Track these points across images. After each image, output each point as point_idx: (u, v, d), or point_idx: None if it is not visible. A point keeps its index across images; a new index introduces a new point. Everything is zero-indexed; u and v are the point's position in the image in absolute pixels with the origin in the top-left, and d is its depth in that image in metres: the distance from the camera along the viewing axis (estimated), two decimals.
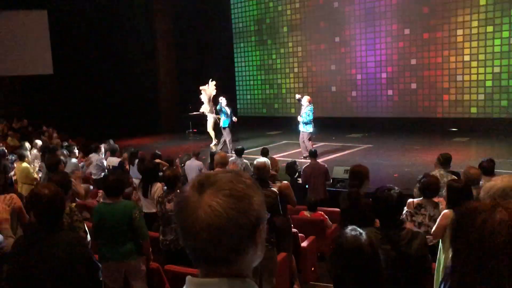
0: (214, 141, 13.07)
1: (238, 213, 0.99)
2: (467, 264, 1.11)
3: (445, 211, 3.65)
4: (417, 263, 2.70)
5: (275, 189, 4.44)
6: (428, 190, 4.21)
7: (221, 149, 11.56)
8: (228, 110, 12.17)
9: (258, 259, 1.08)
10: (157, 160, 7.97)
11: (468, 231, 1.12)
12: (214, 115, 13.13)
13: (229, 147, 11.90)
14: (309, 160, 7.81)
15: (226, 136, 12.11)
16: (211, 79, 13.67)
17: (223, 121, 12.16)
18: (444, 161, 5.50)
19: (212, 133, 13.22)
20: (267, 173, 4.53)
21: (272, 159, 6.80)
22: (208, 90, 13.46)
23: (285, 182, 5.24)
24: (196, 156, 8.35)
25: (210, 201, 0.99)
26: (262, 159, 4.56)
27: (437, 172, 5.25)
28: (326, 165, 7.71)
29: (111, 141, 10.13)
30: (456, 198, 3.54)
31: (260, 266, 4.08)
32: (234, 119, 12.43)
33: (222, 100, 12.24)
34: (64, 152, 8.46)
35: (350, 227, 2.01)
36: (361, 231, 1.99)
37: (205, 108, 13.40)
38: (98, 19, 16.84)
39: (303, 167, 7.55)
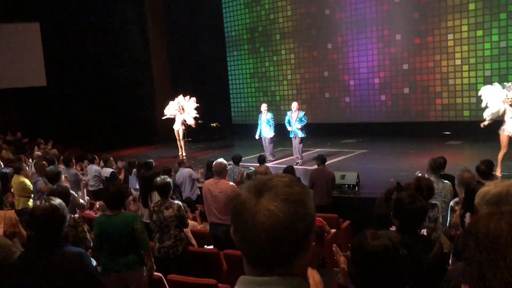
0: (183, 153, 13.18)
1: (295, 218, 1.03)
2: (479, 258, 1.18)
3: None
4: (434, 270, 2.66)
5: None
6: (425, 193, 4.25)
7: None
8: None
9: (308, 259, 1.12)
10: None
11: (476, 232, 1.22)
12: (183, 126, 13.17)
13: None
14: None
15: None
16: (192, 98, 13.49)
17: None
18: (436, 167, 5.43)
19: (182, 144, 13.26)
20: None
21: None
22: (187, 104, 13.34)
23: None
24: (183, 165, 8.49)
25: (268, 205, 1.02)
26: (263, 166, 4.61)
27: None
28: (333, 172, 7.73)
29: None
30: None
31: None
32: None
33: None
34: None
35: (370, 231, 2.02)
36: (383, 235, 2.00)
37: (178, 118, 13.20)
38: (91, 30, 16.84)
39: (311, 171, 7.56)
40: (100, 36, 17.00)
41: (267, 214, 1.01)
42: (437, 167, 5.45)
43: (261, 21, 18.09)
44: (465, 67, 13.84)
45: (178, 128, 13.17)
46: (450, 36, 13.94)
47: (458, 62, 13.94)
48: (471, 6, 13.49)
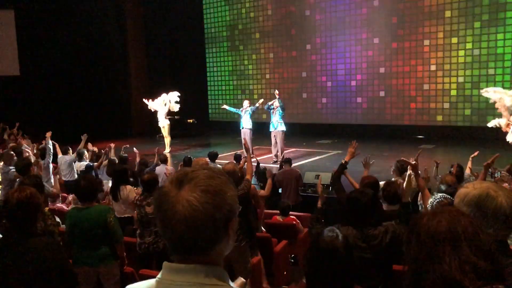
0: (168, 149, 13.04)
1: (213, 207, 1.08)
2: (419, 253, 1.29)
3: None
4: (392, 252, 2.80)
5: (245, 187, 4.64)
6: (392, 198, 4.37)
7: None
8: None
9: (229, 249, 1.18)
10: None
11: (418, 231, 1.33)
12: (168, 121, 13.10)
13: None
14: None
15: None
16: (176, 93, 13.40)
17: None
18: (403, 169, 5.65)
19: (168, 140, 13.16)
20: (236, 177, 4.66)
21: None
22: (168, 98, 13.23)
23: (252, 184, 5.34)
24: (165, 162, 8.44)
25: (187, 196, 1.08)
26: (230, 164, 4.69)
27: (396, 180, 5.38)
28: (299, 171, 7.82)
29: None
30: None
31: (233, 260, 4.25)
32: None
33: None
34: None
35: (329, 228, 2.09)
36: (338, 232, 2.07)
37: (161, 113, 13.11)
38: (67, 20, 16.51)
39: (277, 173, 7.64)
40: (76, 28, 16.69)
41: (185, 204, 1.07)
42: (404, 169, 5.62)
43: (241, 19, 18.08)
44: (440, 73, 14.15)
45: (163, 124, 13.07)
46: (426, 42, 14.23)
47: (433, 67, 14.24)
48: (447, 14, 13.81)
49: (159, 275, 1.15)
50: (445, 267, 1.22)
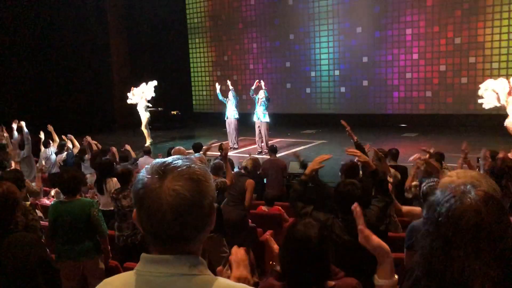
0: (149, 140, 12.90)
1: (200, 195, 1.10)
2: (432, 248, 1.13)
3: None
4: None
5: (224, 180, 4.71)
6: (350, 174, 4.44)
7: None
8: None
9: (206, 237, 1.18)
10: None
11: (436, 216, 1.14)
12: (147, 113, 12.98)
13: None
14: (266, 156, 7.94)
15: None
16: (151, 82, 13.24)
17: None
18: (378, 157, 5.70)
19: (146, 132, 13.02)
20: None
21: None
22: (147, 88, 13.09)
23: (251, 180, 5.37)
24: (148, 154, 8.34)
25: (172, 186, 1.07)
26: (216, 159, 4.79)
27: None
28: (284, 161, 7.83)
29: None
30: None
31: (207, 250, 4.36)
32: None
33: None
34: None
35: (307, 219, 2.10)
36: (314, 223, 2.07)
37: (141, 105, 12.96)
38: (48, 12, 16.17)
39: (263, 162, 7.63)
40: (57, 18, 16.36)
41: (172, 193, 1.07)
42: (379, 157, 5.70)
43: (224, 9, 17.94)
44: (422, 62, 14.26)
45: (143, 116, 12.92)
46: (409, 31, 14.31)
47: (415, 56, 14.34)
48: (429, 2, 13.89)
49: (137, 267, 1.14)
50: (462, 272, 1.06)
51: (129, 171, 4.77)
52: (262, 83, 11.43)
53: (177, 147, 5.45)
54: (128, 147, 8.22)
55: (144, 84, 13.15)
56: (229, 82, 12.12)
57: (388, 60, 14.81)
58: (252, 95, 11.25)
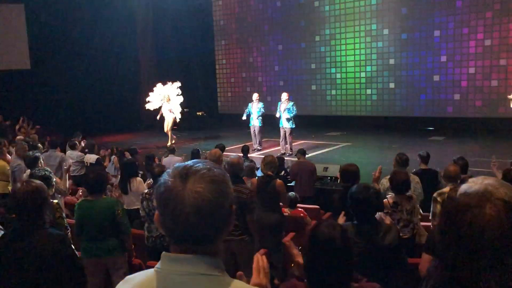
0: (172, 142, 12.94)
1: (221, 196, 1.14)
2: (457, 259, 1.10)
3: None
4: (390, 254, 2.84)
5: (249, 186, 4.59)
6: (401, 186, 4.36)
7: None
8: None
9: (225, 237, 1.22)
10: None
11: (458, 226, 1.11)
12: (172, 114, 13.03)
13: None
14: (291, 158, 7.92)
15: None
16: (174, 83, 13.31)
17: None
18: (402, 163, 5.61)
19: (170, 134, 13.09)
20: (240, 169, 4.66)
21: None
22: (170, 90, 13.16)
23: (279, 180, 5.36)
24: (173, 153, 8.45)
25: (195, 188, 1.11)
26: (235, 156, 4.70)
27: None
28: (314, 164, 7.79)
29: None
30: None
31: (237, 253, 4.37)
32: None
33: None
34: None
35: (327, 221, 2.11)
36: (337, 224, 2.08)
37: (165, 108, 13.04)
38: (77, 14, 16.57)
39: (292, 164, 7.62)
40: (86, 21, 16.74)
41: (195, 195, 1.10)
42: (403, 162, 5.62)
43: (249, 11, 18.01)
44: (450, 64, 13.99)
45: (168, 119, 13.03)
46: (437, 33, 14.07)
47: (443, 58, 14.08)
48: (458, 3, 13.62)
49: (157, 265, 1.17)
50: (488, 282, 1.05)
51: (164, 172, 4.80)
52: (285, 96, 11.27)
53: (214, 149, 5.47)
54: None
55: (160, 85, 13.23)
56: (256, 96, 11.83)
57: (415, 62, 14.58)
58: (278, 111, 11.18)
